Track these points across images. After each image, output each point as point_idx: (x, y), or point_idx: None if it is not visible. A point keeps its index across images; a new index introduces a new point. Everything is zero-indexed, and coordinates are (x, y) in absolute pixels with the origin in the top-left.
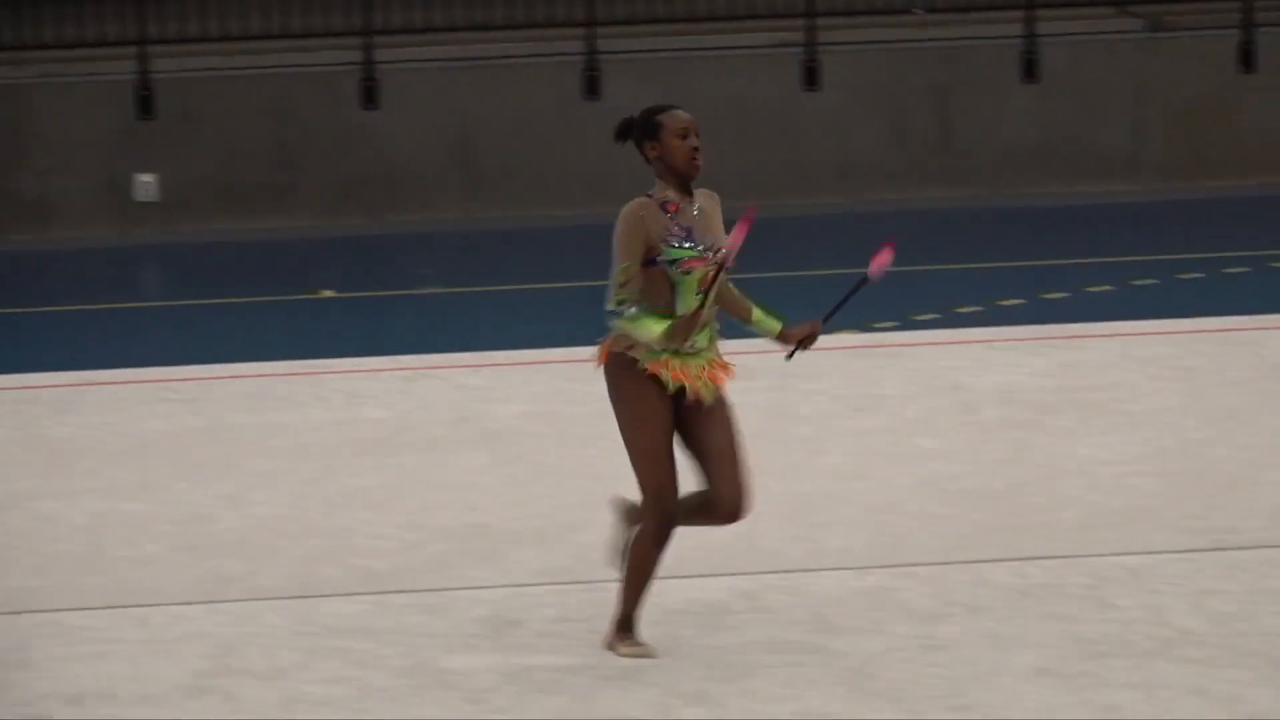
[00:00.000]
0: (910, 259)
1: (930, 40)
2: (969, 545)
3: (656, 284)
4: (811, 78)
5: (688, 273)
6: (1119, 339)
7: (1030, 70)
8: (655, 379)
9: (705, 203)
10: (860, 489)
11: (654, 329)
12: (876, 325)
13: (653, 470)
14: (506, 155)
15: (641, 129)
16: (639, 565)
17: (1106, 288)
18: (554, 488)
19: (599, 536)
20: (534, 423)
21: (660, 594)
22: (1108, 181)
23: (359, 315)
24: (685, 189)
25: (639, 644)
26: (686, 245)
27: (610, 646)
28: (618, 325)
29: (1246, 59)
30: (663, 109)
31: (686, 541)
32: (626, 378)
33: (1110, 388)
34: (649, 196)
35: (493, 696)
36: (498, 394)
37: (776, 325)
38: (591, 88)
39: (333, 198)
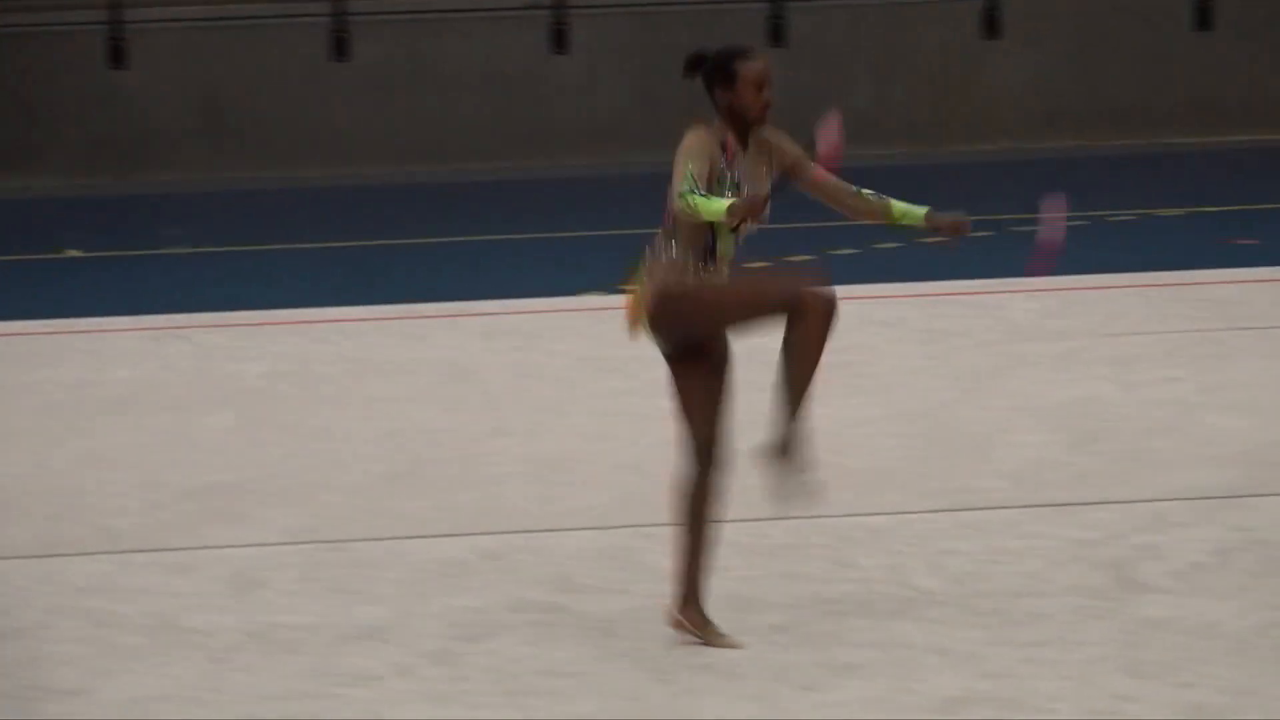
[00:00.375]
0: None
1: (676, 4)
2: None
3: (694, 227)
4: (560, 41)
5: (728, 220)
6: (862, 301)
7: (777, 35)
8: None
9: (758, 151)
10: (604, 449)
11: (721, 204)
12: (621, 288)
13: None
14: (255, 115)
15: (717, 73)
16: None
17: (850, 250)
18: (298, 448)
19: (343, 496)
20: (280, 382)
21: (403, 554)
22: (854, 145)
23: (106, 275)
24: (744, 138)
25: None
26: (729, 195)
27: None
28: (692, 201)
29: (990, 24)
30: (741, 54)
31: (427, 501)
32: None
33: (853, 350)
34: (710, 128)
35: (236, 655)
36: (243, 354)
37: (921, 212)
38: (340, 49)
39: (81, 157)
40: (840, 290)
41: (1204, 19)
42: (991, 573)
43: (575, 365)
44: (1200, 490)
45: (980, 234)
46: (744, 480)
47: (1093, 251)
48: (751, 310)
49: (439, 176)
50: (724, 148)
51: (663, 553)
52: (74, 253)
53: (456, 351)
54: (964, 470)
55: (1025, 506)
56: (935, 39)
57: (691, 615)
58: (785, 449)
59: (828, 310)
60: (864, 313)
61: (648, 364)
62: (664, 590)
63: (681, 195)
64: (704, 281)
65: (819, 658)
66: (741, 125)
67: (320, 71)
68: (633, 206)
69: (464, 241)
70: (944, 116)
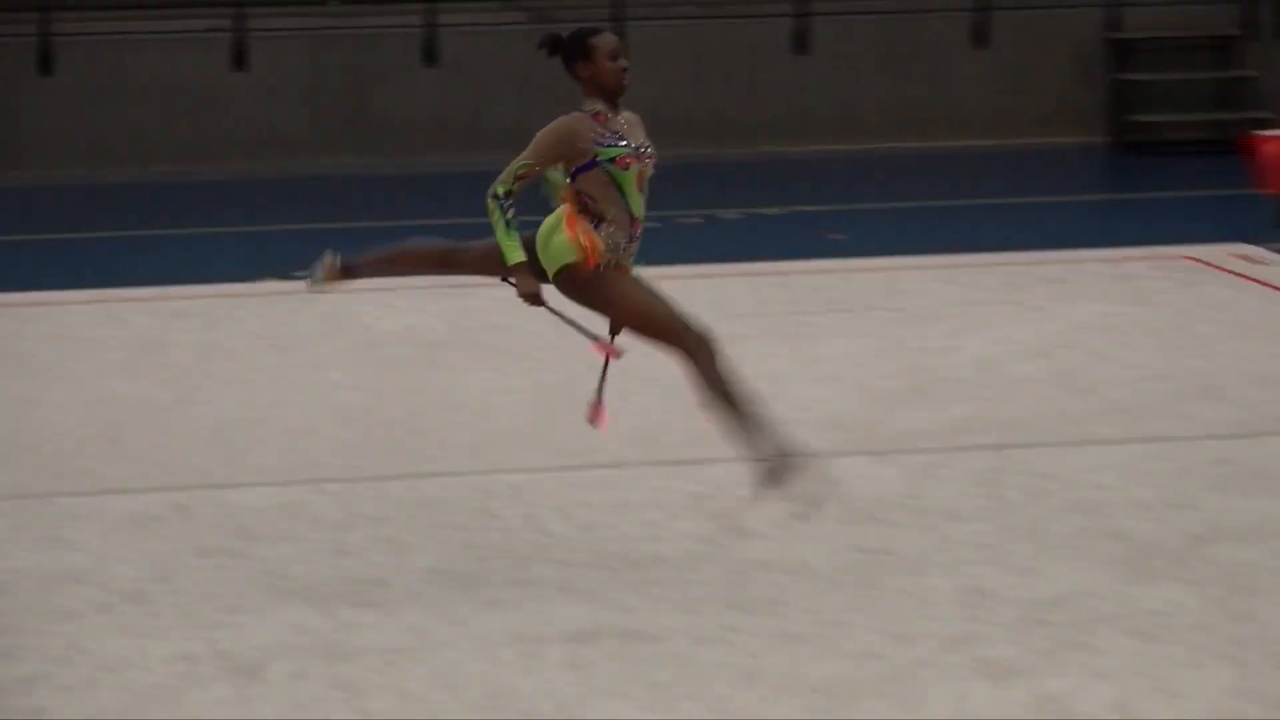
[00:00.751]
0: (310, 218)
1: (345, 28)
2: (373, 464)
3: (603, 188)
4: (240, 60)
5: (626, 168)
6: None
7: (430, 56)
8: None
9: (630, 115)
10: (280, 415)
11: (515, 253)
12: (295, 274)
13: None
14: None
15: (574, 50)
16: (723, 395)
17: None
18: (8, 414)
19: (50, 458)
20: None
21: (102, 507)
22: (498, 151)
23: None
24: (613, 105)
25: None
26: (621, 144)
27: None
28: (496, 218)
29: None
30: (593, 31)
31: (124, 461)
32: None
33: (496, 330)
34: (580, 111)
35: None
36: None
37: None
38: (44, 67)
39: None
40: (479, 279)
41: (800, 44)
42: (616, 521)
43: (255, 342)
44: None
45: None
46: (399, 442)
47: (707, 244)
48: (638, 327)
49: (139, 178)
50: (595, 118)
51: (332, 504)
52: None
53: (150, 330)
54: (592, 433)
55: (646, 464)
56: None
57: (334, 275)
58: (776, 462)
59: (708, 350)
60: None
61: (318, 340)
62: (332, 538)
63: (494, 193)
64: (613, 269)
65: (466, 596)
66: (608, 95)
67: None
68: (301, 205)
69: (162, 234)
70: None
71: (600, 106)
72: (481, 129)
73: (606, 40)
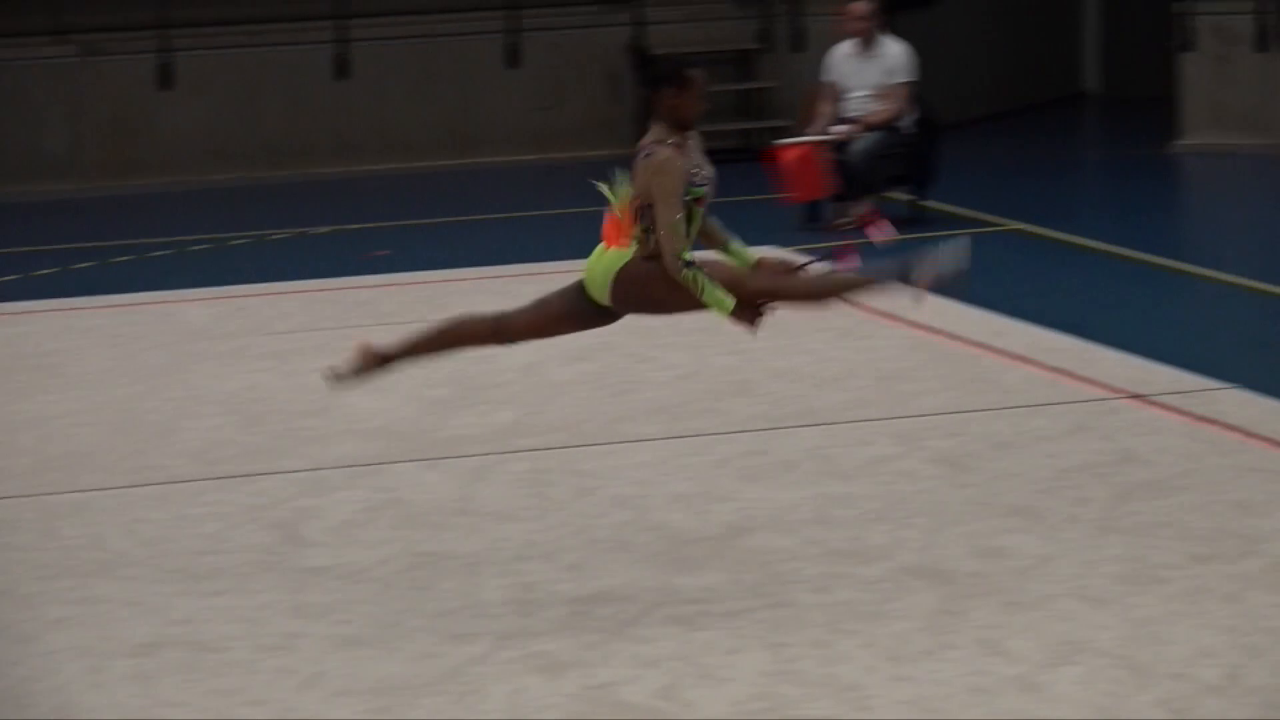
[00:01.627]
0: None
1: None
2: None
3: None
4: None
5: (702, 205)
6: (63, 313)
7: None
8: None
9: (694, 137)
10: None
11: (727, 303)
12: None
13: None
14: None
15: (672, 78)
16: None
17: (52, 270)
18: None
19: None
20: None
21: None
22: (51, 181)
23: None
24: (684, 134)
25: None
26: (702, 185)
27: None
28: (700, 281)
29: (164, 77)
30: (689, 64)
31: None
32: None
33: (55, 354)
34: (664, 143)
35: None
36: None
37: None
38: None
39: None
40: (42, 305)
41: (342, 69)
42: (177, 535)
43: None
44: (349, 460)
45: (163, 253)
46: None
47: (257, 264)
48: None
49: None
50: (676, 148)
51: None
52: None
53: None
54: (151, 450)
55: (205, 479)
56: (117, 89)
57: (370, 360)
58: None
59: (798, 280)
60: (63, 323)
61: None
62: None
63: (685, 261)
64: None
65: (32, 615)
66: (681, 125)
67: None
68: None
69: None
70: (127, 154)
71: (673, 136)
72: (32, 158)
73: (699, 76)
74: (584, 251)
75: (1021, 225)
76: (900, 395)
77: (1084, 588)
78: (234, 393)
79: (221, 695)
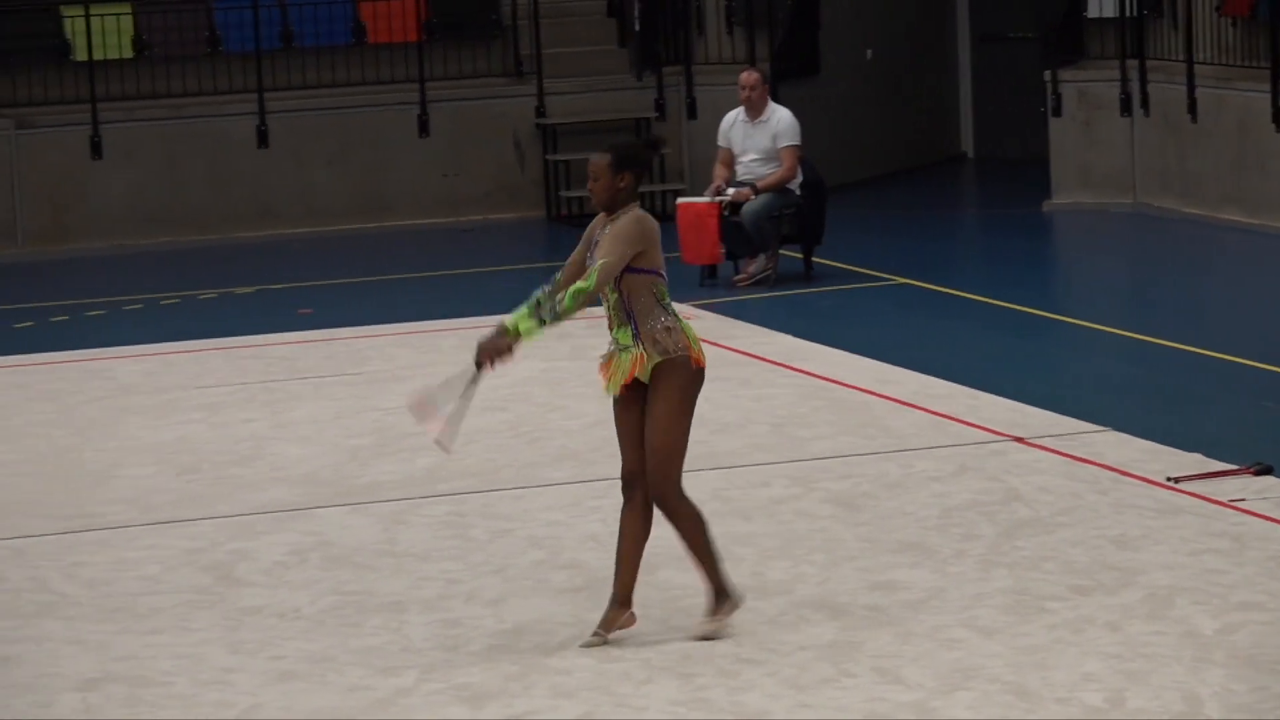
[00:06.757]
0: None
1: None
2: None
3: (652, 293)
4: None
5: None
6: (3, 370)
7: None
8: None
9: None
10: None
11: (535, 333)
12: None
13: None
14: None
15: (644, 161)
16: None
17: None
18: None
19: None
20: None
21: None
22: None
23: None
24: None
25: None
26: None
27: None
28: (560, 306)
29: (95, 149)
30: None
31: None
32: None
33: None
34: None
35: None
36: None
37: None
38: None
39: None
40: None
41: (262, 139)
42: (117, 578)
43: None
44: (277, 505)
45: (98, 313)
46: None
47: (187, 324)
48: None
49: None
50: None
51: None
52: None
53: None
54: (90, 498)
55: (143, 524)
56: (53, 159)
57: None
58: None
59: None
60: (4, 379)
61: None
62: None
63: (587, 281)
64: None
65: None
66: (617, 208)
67: None
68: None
69: None
70: (63, 220)
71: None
72: None
73: (591, 159)
74: (491, 309)
75: (907, 280)
76: (795, 440)
77: (974, 618)
78: (167, 443)
79: None
